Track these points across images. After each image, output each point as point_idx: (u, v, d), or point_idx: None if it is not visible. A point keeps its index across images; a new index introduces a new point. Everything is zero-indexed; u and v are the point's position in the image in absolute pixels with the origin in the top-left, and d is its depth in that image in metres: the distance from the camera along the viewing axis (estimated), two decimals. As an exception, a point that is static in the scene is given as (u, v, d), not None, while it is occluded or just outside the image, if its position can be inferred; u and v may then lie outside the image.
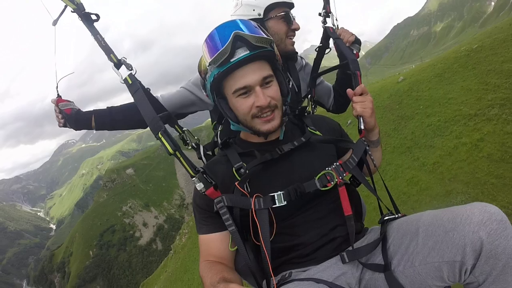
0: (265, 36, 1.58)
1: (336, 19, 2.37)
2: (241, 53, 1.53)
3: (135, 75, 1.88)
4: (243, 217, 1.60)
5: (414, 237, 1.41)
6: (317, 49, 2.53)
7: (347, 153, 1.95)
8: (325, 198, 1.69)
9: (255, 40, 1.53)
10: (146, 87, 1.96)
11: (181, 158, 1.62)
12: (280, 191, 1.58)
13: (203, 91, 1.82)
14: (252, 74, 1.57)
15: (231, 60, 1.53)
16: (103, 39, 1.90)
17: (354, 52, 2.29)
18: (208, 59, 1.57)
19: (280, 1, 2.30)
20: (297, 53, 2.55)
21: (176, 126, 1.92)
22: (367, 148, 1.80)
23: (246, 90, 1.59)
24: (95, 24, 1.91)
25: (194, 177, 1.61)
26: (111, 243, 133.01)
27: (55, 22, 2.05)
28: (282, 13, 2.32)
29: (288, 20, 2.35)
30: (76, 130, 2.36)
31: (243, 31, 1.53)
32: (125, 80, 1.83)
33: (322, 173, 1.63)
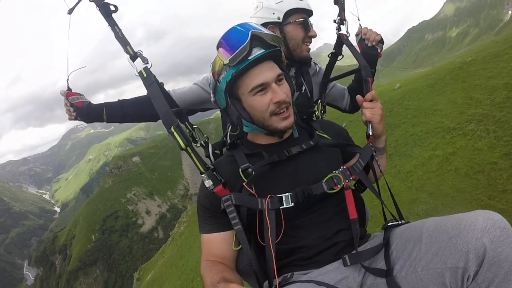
0: (277, 35, 1.65)
1: (359, 19, 2.45)
2: (257, 51, 1.58)
3: (150, 69, 1.86)
4: (249, 217, 1.61)
5: (417, 243, 1.41)
6: (329, 55, 2.61)
7: (353, 158, 1.96)
8: (331, 201, 1.69)
9: (270, 38, 1.59)
10: (159, 81, 1.92)
11: (191, 154, 1.63)
12: (288, 192, 1.60)
13: (211, 95, 1.82)
14: (268, 72, 1.62)
15: (249, 58, 1.57)
16: (120, 30, 1.90)
17: (378, 51, 2.43)
18: (225, 58, 1.59)
19: (300, 7, 2.35)
20: (311, 58, 2.63)
21: (186, 123, 1.90)
22: (374, 153, 1.84)
23: (263, 88, 1.63)
24: (113, 15, 1.90)
25: (203, 173, 1.62)
26: (113, 228, 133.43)
27: (70, 11, 2.05)
28: (301, 19, 2.37)
29: (306, 27, 2.40)
30: (87, 123, 2.38)
31: (258, 30, 1.58)
32: (140, 73, 1.82)
33: (329, 176, 1.65)
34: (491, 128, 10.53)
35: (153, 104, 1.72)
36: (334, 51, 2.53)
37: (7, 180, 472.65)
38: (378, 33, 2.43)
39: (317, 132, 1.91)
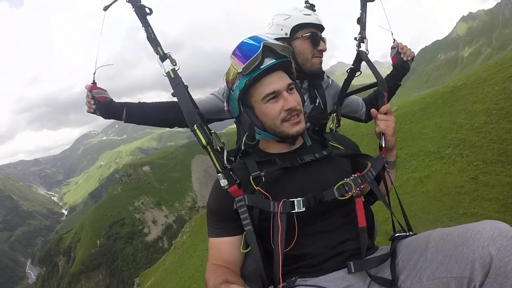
0: (288, 46, 1.72)
1: (392, 33, 2.59)
2: (269, 61, 1.64)
3: (177, 71, 1.95)
4: (260, 220, 1.64)
5: (423, 253, 1.41)
6: (348, 71, 2.69)
7: (364, 170, 1.97)
8: (340, 211, 1.70)
9: (281, 49, 1.66)
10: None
11: (211, 152, 1.69)
12: (300, 197, 1.62)
13: (225, 104, 1.88)
14: (280, 81, 1.68)
15: (261, 67, 1.63)
16: (153, 31, 1.99)
17: (409, 65, 2.65)
18: (239, 67, 1.65)
19: (307, 22, 2.39)
20: (323, 72, 2.66)
21: (205, 127, 1.87)
22: (386, 165, 1.87)
23: (275, 95, 1.68)
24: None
25: (220, 172, 1.66)
26: (119, 235, 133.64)
27: (106, 8, 2.14)
28: (308, 34, 2.40)
29: (314, 41, 2.41)
30: (105, 118, 2.39)
31: (270, 41, 1.65)
32: (168, 74, 1.91)
33: (340, 183, 1.66)
34: (465, 153, 11.17)
35: (178, 103, 1.82)
36: (352, 66, 2.64)
37: (17, 179, 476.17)
38: (412, 50, 2.63)
39: (330, 142, 1.94)
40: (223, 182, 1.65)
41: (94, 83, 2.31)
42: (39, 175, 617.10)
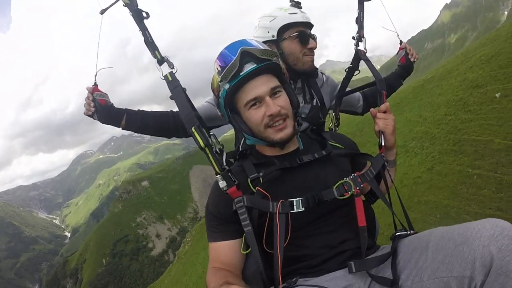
0: (269, 49, 1.68)
1: (398, 35, 2.73)
2: (249, 66, 1.60)
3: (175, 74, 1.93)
4: (259, 221, 1.62)
5: (424, 252, 1.39)
6: (346, 70, 2.67)
7: (363, 169, 1.92)
8: (340, 211, 1.70)
9: (260, 53, 1.61)
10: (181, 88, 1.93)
11: (209, 154, 1.67)
12: (299, 197, 1.61)
13: (217, 110, 1.86)
14: (262, 86, 1.64)
15: (240, 74, 1.60)
16: (150, 35, 1.97)
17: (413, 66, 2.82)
18: (218, 76, 1.66)
19: (292, 21, 2.34)
20: (317, 69, 2.61)
21: (204, 129, 1.83)
22: (386, 163, 1.84)
23: (257, 101, 1.66)
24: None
25: (219, 174, 1.64)
26: (124, 252, 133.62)
27: (103, 11, 2.13)
28: (295, 33, 2.36)
29: (302, 40, 2.37)
30: (102, 122, 2.32)
31: (249, 46, 1.62)
32: (166, 77, 1.89)
33: (340, 182, 1.64)
34: (425, 145, 11.84)
35: (177, 105, 1.81)
36: (351, 65, 2.64)
37: (17, 205, 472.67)
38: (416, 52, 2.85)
39: (329, 142, 1.93)
40: (222, 184, 1.63)
41: (95, 85, 2.27)
42: (39, 199, 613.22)
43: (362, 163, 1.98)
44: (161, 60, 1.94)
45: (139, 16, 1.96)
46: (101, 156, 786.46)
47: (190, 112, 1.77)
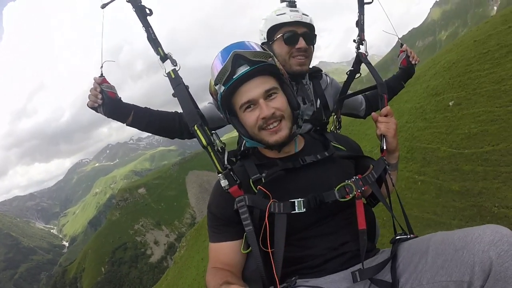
0: (263, 51, 1.65)
1: (399, 38, 2.70)
2: (243, 69, 1.58)
3: (179, 71, 1.90)
4: (260, 221, 1.59)
5: (423, 256, 1.38)
6: (348, 73, 2.66)
7: (365, 172, 1.85)
8: (341, 213, 1.68)
9: (252, 55, 1.59)
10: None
11: (211, 153, 1.67)
12: (301, 198, 1.59)
13: (219, 112, 1.84)
14: (255, 88, 1.62)
15: (233, 77, 1.58)
16: (153, 32, 1.96)
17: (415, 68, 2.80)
18: (212, 80, 1.68)
19: (279, 22, 2.29)
20: (321, 70, 2.62)
21: (206, 127, 1.80)
22: (387, 167, 1.81)
23: (251, 104, 1.64)
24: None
25: (221, 173, 1.64)
26: (122, 260, 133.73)
27: (104, 6, 2.09)
28: (281, 35, 2.30)
29: (287, 40, 2.30)
30: (107, 116, 2.20)
31: (242, 49, 1.61)
32: (168, 74, 1.87)
33: (341, 184, 1.63)
34: (383, 152, 12.40)
35: (179, 103, 1.81)
36: (352, 68, 2.64)
37: (14, 216, 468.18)
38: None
39: (332, 143, 1.92)
40: (224, 183, 1.63)
41: (103, 76, 2.16)
42: (36, 209, 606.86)
43: (366, 166, 1.94)
44: (164, 57, 1.93)
45: (142, 13, 1.95)
46: (97, 165, 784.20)
47: (193, 110, 1.76)
